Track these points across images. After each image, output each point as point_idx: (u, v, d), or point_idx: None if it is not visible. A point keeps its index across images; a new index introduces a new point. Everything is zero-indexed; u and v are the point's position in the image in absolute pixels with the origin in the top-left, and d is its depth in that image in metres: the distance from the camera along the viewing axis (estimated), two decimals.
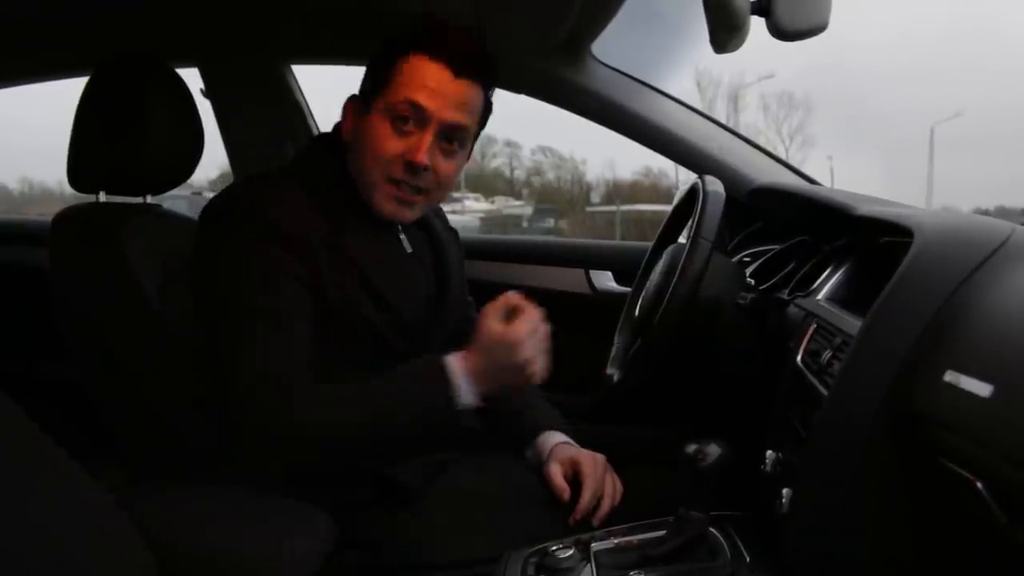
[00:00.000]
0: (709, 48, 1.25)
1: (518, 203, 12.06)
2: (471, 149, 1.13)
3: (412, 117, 1.02)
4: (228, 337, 0.97)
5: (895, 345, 0.73)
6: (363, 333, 1.04)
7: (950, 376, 0.66)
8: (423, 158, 1.01)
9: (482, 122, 1.12)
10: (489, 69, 1.07)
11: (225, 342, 0.97)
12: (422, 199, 1.07)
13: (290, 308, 0.98)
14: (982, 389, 0.62)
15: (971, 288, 0.73)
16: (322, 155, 1.10)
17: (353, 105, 1.10)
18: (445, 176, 1.07)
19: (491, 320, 0.99)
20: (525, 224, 11.09)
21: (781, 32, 0.88)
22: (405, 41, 1.04)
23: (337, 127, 1.13)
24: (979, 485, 0.61)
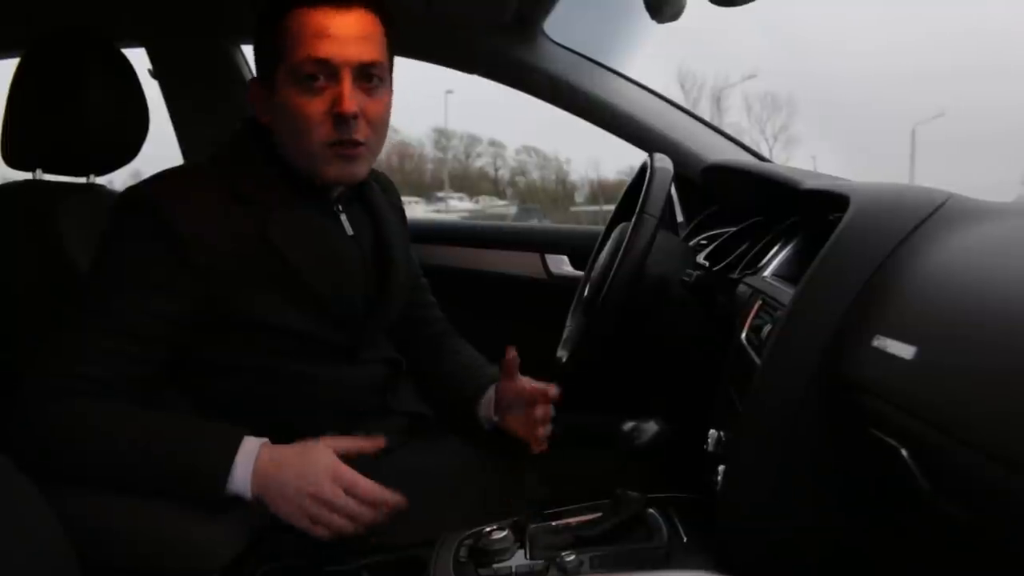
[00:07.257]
0: (659, 26, 1.24)
1: (502, 203, 12.02)
2: (391, 82, 1.07)
3: (319, 72, 0.97)
4: (63, 318, 0.94)
5: (827, 313, 0.71)
6: (280, 336, 1.01)
7: (878, 341, 0.64)
8: (350, 106, 0.97)
9: (391, 51, 1.06)
10: None
11: (58, 321, 0.94)
12: (364, 151, 1.02)
13: (134, 320, 0.93)
14: (906, 352, 0.60)
15: (904, 253, 0.71)
16: (246, 141, 1.06)
17: (258, 87, 1.05)
18: (376, 118, 1.02)
19: (324, 448, 0.94)
20: None
21: None
22: (279, 3, 0.99)
23: None
24: (904, 452, 0.59)
